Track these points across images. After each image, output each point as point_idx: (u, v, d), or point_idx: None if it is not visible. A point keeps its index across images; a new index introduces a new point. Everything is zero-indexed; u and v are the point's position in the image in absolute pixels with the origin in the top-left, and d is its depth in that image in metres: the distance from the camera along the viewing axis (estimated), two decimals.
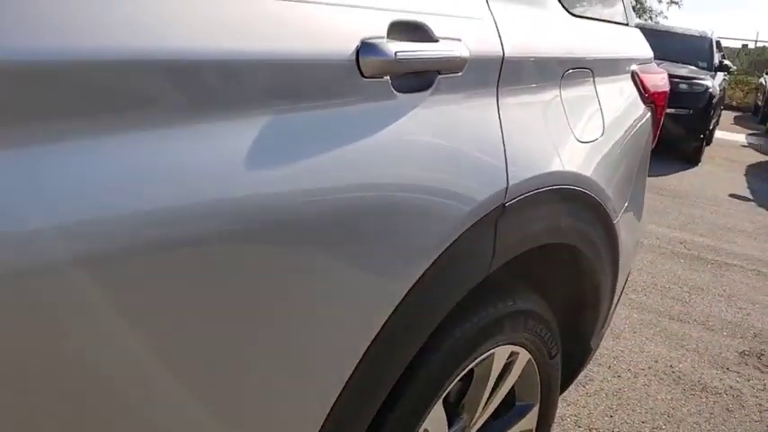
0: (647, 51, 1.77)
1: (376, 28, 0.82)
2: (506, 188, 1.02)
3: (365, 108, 0.81)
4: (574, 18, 1.33)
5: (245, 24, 0.69)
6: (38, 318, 0.52)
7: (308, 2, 0.76)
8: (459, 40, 0.94)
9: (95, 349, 0.57)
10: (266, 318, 0.72)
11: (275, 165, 0.71)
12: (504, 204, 1.03)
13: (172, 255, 0.60)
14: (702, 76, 8.36)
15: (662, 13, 26.29)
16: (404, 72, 0.85)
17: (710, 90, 8.09)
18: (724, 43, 17.20)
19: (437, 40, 0.90)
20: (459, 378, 1.15)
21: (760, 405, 2.47)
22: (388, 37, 0.83)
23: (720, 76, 9.45)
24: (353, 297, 0.83)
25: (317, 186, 0.75)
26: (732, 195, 6.52)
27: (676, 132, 7.89)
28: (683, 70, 8.25)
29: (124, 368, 0.59)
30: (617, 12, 1.63)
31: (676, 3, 25.97)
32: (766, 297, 3.63)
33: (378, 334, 0.87)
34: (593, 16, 1.47)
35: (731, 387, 2.58)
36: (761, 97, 15.80)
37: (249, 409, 0.74)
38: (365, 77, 0.80)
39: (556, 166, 1.15)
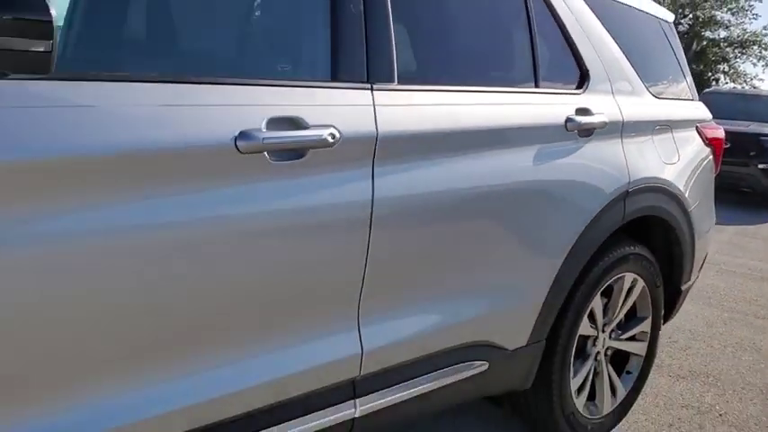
0: (707, 115, 2.86)
1: (569, 112, 2.00)
2: (629, 182, 2.15)
3: (567, 144, 1.99)
4: (658, 99, 2.47)
5: (514, 116, 1.89)
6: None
7: (539, 104, 1.96)
8: (603, 113, 2.11)
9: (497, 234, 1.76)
10: (544, 225, 1.89)
11: (537, 166, 1.88)
12: (627, 191, 2.16)
13: (507, 203, 1.79)
14: None
15: (757, 76, 26.54)
16: (582, 129, 2.02)
17: None
18: None
19: (594, 114, 2.07)
20: (607, 284, 2.25)
21: None
22: (576, 115, 2.01)
23: None
24: (571, 222, 1.98)
25: (560, 178, 1.92)
26: None
27: None
28: None
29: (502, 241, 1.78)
30: (684, 92, 2.76)
31: None
32: None
33: (575, 244, 2.01)
34: (670, 97, 2.61)
35: None
36: None
37: (538, 263, 1.90)
38: (567, 131, 1.98)
39: (652, 173, 2.27)
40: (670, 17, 2.79)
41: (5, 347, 1.07)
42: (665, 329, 3.52)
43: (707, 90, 14.13)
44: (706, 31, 24.95)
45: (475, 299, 1.80)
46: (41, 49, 0.95)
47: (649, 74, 2.48)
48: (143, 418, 1.25)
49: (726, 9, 24.70)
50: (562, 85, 2.10)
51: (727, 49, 25.20)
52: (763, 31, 25.17)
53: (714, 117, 9.37)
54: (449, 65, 1.83)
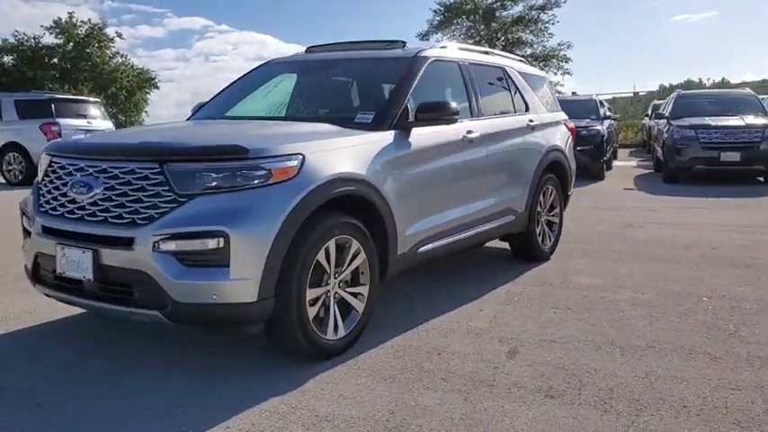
0: (565, 116, 6.30)
1: (527, 121, 5.29)
2: (548, 146, 5.49)
3: (527, 133, 5.29)
4: (550, 113, 5.83)
5: (511, 123, 5.14)
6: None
7: (517, 119, 5.23)
8: (536, 121, 5.42)
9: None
10: (508, 168, 5.15)
11: (521, 140, 5.14)
12: (549, 150, 5.50)
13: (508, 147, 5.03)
14: (595, 125, 13.27)
15: (558, 83, 32.58)
16: (531, 126, 5.31)
17: (601, 132, 12.98)
18: (621, 95, 23.25)
19: (534, 122, 5.37)
20: (544, 189, 5.53)
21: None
22: (529, 122, 5.29)
23: (607, 122, 14.44)
24: (533, 162, 5.26)
25: (527, 147, 5.19)
26: (625, 189, 11.24)
27: (585, 161, 12.73)
28: (583, 122, 13.19)
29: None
30: (557, 108, 6.17)
31: (569, 73, 32.10)
32: (636, 206, 8.16)
33: (534, 170, 5.29)
34: (553, 111, 6.00)
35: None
36: (645, 134, 21.31)
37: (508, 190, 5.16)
38: (527, 128, 5.27)
39: (555, 143, 5.63)
40: (545, 75, 6.21)
41: (425, 202, 4.08)
42: (595, 227, 6.90)
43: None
44: (516, 49, 30.39)
45: (508, 191, 5.00)
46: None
47: (545, 103, 5.85)
48: (449, 219, 4.29)
49: (528, 31, 30.37)
50: (522, 112, 5.37)
51: (534, 63, 30.83)
52: (558, 47, 31.19)
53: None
54: (489, 107, 4.99)
